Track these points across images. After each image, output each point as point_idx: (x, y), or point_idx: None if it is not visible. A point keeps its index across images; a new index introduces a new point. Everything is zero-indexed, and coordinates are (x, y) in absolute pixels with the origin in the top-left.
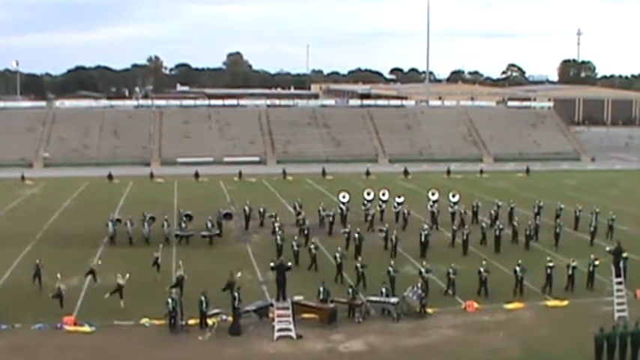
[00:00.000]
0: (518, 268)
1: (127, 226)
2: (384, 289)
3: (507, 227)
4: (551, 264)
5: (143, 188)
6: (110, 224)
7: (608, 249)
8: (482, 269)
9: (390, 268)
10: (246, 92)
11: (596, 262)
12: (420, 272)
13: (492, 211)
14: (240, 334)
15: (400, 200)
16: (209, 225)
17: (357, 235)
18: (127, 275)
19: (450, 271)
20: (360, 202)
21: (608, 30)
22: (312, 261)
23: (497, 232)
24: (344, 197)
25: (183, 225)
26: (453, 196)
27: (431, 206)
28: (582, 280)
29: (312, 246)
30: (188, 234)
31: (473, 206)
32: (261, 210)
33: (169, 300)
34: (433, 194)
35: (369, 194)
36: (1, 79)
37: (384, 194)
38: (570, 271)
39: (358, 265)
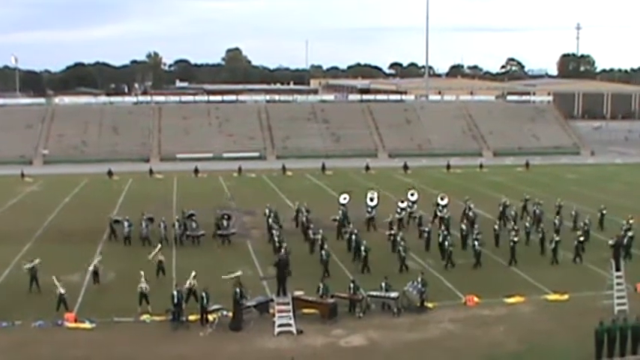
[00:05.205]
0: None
1: (159, 227)
2: (383, 284)
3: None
4: (516, 239)
5: (143, 184)
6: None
7: (610, 243)
8: (512, 236)
9: (362, 247)
10: (246, 88)
11: (557, 239)
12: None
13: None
14: (241, 329)
15: (414, 199)
16: (225, 224)
17: (354, 237)
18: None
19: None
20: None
21: (608, 24)
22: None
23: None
24: (371, 200)
25: (194, 225)
26: (442, 199)
27: (440, 211)
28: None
29: (363, 248)
30: (199, 234)
31: (467, 207)
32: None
33: (174, 292)
34: (442, 199)
35: (411, 195)
36: (0, 75)
37: (412, 195)
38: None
39: (362, 247)
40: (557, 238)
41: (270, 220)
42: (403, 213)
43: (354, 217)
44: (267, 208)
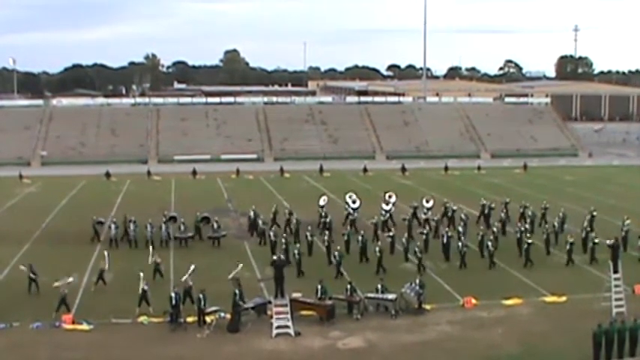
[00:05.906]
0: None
1: (146, 229)
2: (379, 286)
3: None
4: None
5: (141, 186)
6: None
7: (607, 243)
8: (525, 237)
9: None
10: (244, 90)
11: (572, 240)
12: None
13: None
14: (239, 331)
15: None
16: (215, 226)
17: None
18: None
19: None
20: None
21: (606, 26)
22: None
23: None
24: (354, 202)
25: (183, 227)
26: (427, 201)
27: (425, 213)
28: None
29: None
30: (188, 236)
31: (450, 209)
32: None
33: (172, 294)
34: (428, 201)
35: (389, 197)
36: None
37: (390, 196)
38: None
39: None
40: (571, 240)
41: (261, 222)
42: (387, 215)
43: (337, 220)
44: (252, 210)
